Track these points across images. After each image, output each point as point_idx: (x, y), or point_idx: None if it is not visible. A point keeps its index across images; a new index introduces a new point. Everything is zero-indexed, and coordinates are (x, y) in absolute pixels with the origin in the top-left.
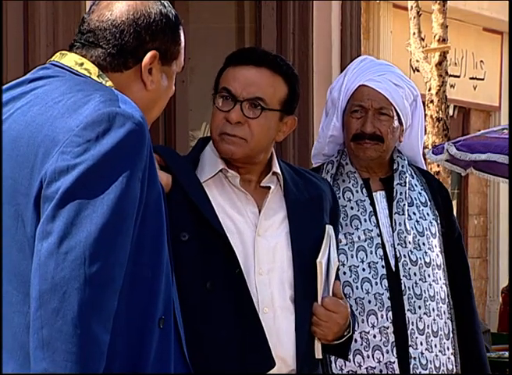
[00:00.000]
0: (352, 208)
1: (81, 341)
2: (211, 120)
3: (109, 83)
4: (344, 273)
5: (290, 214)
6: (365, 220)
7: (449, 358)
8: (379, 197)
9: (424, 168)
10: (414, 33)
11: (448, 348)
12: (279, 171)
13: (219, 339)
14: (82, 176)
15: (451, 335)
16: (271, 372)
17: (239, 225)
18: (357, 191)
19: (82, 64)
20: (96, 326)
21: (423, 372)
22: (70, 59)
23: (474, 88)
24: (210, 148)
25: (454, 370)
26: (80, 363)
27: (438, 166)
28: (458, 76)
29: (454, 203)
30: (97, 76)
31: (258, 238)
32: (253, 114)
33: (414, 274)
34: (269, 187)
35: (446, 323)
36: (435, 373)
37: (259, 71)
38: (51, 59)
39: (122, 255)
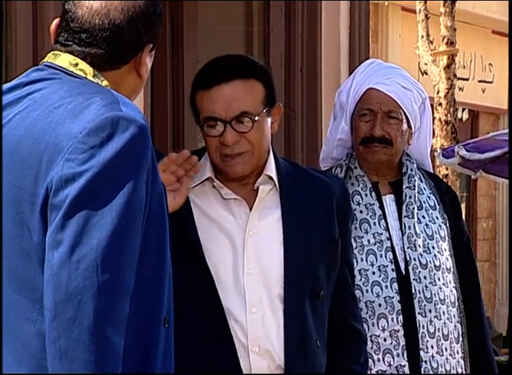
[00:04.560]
0: (361, 211)
1: (98, 348)
2: (207, 147)
3: (105, 83)
4: (354, 276)
5: (285, 215)
6: (375, 224)
7: (458, 361)
8: (388, 200)
9: (431, 171)
10: (422, 36)
11: (458, 352)
12: (271, 174)
13: (183, 353)
14: (89, 184)
15: (461, 339)
16: (260, 371)
17: (228, 225)
18: (366, 195)
19: (76, 64)
20: (111, 332)
21: None
22: (64, 60)
23: (483, 91)
24: (205, 157)
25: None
26: (99, 371)
27: (446, 168)
28: (467, 79)
29: (463, 206)
30: (93, 76)
31: (249, 239)
32: (246, 128)
33: (424, 277)
34: (264, 188)
35: (455, 326)
36: None
37: (232, 85)
38: (44, 60)
39: (132, 258)
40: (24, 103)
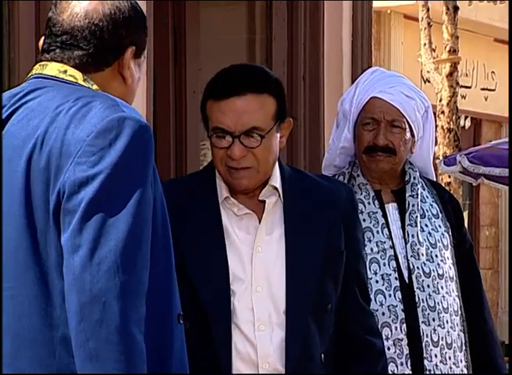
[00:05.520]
0: (364, 220)
1: (126, 347)
2: (213, 157)
3: (95, 87)
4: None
5: (287, 230)
6: (378, 232)
7: (462, 370)
8: (391, 209)
9: (434, 179)
10: (424, 44)
11: (461, 361)
12: (276, 184)
13: None
14: (103, 186)
15: (464, 347)
16: (263, 372)
17: (237, 241)
18: (369, 203)
19: (66, 71)
20: (135, 331)
21: None
22: (53, 68)
23: (486, 99)
24: (217, 177)
25: None
26: (129, 369)
27: (449, 176)
28: (469, 87)
29: (466, 214)
30: (83, 81)
31: (257, 254)
32: (254, 143)
33: (428, 286)
34: (270, 201)
35: (459, 335)
36: None
37: (244, 99)
38: (32, 73)
39: (146, 257)
40: (21, 112)
